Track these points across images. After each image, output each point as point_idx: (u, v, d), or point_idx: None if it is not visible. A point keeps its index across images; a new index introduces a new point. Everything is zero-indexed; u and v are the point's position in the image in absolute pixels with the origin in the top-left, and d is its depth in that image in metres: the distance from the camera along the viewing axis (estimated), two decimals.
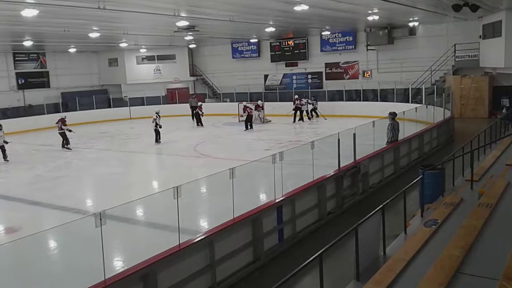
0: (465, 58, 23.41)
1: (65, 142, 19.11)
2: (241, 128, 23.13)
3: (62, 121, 19.34)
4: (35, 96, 29.68)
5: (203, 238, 6.67)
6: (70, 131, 19.30)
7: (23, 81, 29.87)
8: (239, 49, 32.30)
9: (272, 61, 31.15)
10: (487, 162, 10.38)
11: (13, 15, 14.44)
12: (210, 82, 33.91)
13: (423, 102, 21.30)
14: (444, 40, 24.14)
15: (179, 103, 31.52)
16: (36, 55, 30.44)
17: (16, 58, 29.56)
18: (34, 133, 25.07)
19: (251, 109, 23.53)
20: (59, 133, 19.17)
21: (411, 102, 22.70)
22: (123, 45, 28.44)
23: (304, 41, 29.67)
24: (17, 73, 29.62)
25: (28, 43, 24.16)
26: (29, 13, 13.31)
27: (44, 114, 27.93)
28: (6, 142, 17.24)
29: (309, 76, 30.18)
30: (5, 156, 17.09)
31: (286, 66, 31.01)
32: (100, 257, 5.33)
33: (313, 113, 25.80)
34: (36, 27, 18.91)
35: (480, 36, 22.10)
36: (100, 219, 5.12)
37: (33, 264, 7.56)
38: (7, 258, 7.12)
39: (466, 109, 23.22)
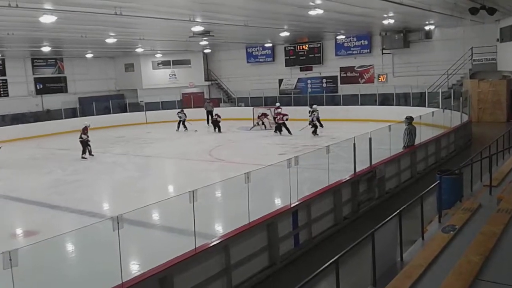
0: (482, 61, 23.13)
1: (83, 151, 18.24)
2: (255, 133, 23.25)
3: (85, 129, 18.63)
4: (53, 101, 30.16)
5: (218, 242, 6.68)
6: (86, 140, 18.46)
7: (41, 86, 30.37)
8: (254, 53, 32.40)
9: (286, 65, 31.17)
10: (506, 167, 10.22)
11: (32, 21, 14.71)
12: (225, 87, 34.05)
13: (440, 106, 21.07)
14: (460, 44, 23.90)
15: (194, 107, 31.70)
16: (54, 60, 30.95)
17: (35, 64, 30.09)
18: (52, 137, 25.45)
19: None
20: (80, 141, 18.40)
21: (428, 106, 22.49)
22: (139, 50, 28.74)
23: (318, 45, 29.64)
24: (35, 78, 30.14)
25: (46, 49, 24.59)
26: (47, 19, 13.54)
27: (62, 118, 28.36)
28: None
29: (324, 80, 30.11)
30: None
31: (300, 70, 30.99)
32: (117, 260, 5.37)
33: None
34: (54, 33, 19.24)
35: (498, 39, 21.82)
36: (118, 223, 5.16)
37: (50, 267, 7.64)
38: (25, 262, 7.22)
39: (484, 113, 22.89)
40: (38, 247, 6.44)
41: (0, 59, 28.09)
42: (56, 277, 7.46)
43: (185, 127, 25.71)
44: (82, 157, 18.17)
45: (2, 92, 28.59)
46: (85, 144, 18.30)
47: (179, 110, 26.42)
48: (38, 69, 30.31)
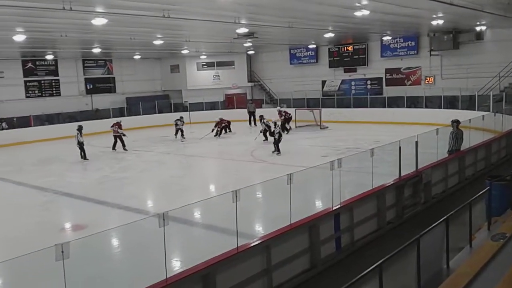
0: None
1: (122, 144, 20.36)
2: (297, 135, 23.15)
3: (118, 125, 20.69)
4: (102, 101, 31.38)
5: (260, 242, 6.72)
6: (124, 135, 20.44)
7: (91, 86, 31.64)
8: (297, 55, 32.32)
9: (330, 67, 30.89)
10: None
11: (84, 23, 15.32)
12: (267, 88, 34.15)
13: (491, 110, 20.27)
14: None
15: (237, 108, 31.98)
16: (103, 61, 32.13)
17: (85, 65, 31.39)
18: (101, 135, 26.30)
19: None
20: (114, 135, 20.51)
21: (478, 110, 21.68)
22: (184, 52, 29.30)
23: (363, 46, 29.21)
24: (86, 79, 31.44)
25: (96, 50, 25.51)
26: (99, 22, 14.08)
27: (110, 117, 29.25)
28: (83, 143, 18.61)
29: (368, 82, 29.64)
30: (84, 156, 18.58)
31: (344, 72, 30.63)
32: (162, 256, 5.51)
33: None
34: (104, 35, 19.96)
35: None
36: (164, 220, 5.30)
37: (98, 261, 7.92)
38: (74, 255, 7.51)
39: None
40: (87, 241, 6.68)
41: (53, 60, 29.44)
42: (102, 270, 7.72)
43: (182, 135, 23.18)
44: (124, 149, 20.35)
45: (54, 92, 29.99)
46: (120, 138, 20.35)
47: (178, 118, 23.93)
48: (88, 69, 31.59)
